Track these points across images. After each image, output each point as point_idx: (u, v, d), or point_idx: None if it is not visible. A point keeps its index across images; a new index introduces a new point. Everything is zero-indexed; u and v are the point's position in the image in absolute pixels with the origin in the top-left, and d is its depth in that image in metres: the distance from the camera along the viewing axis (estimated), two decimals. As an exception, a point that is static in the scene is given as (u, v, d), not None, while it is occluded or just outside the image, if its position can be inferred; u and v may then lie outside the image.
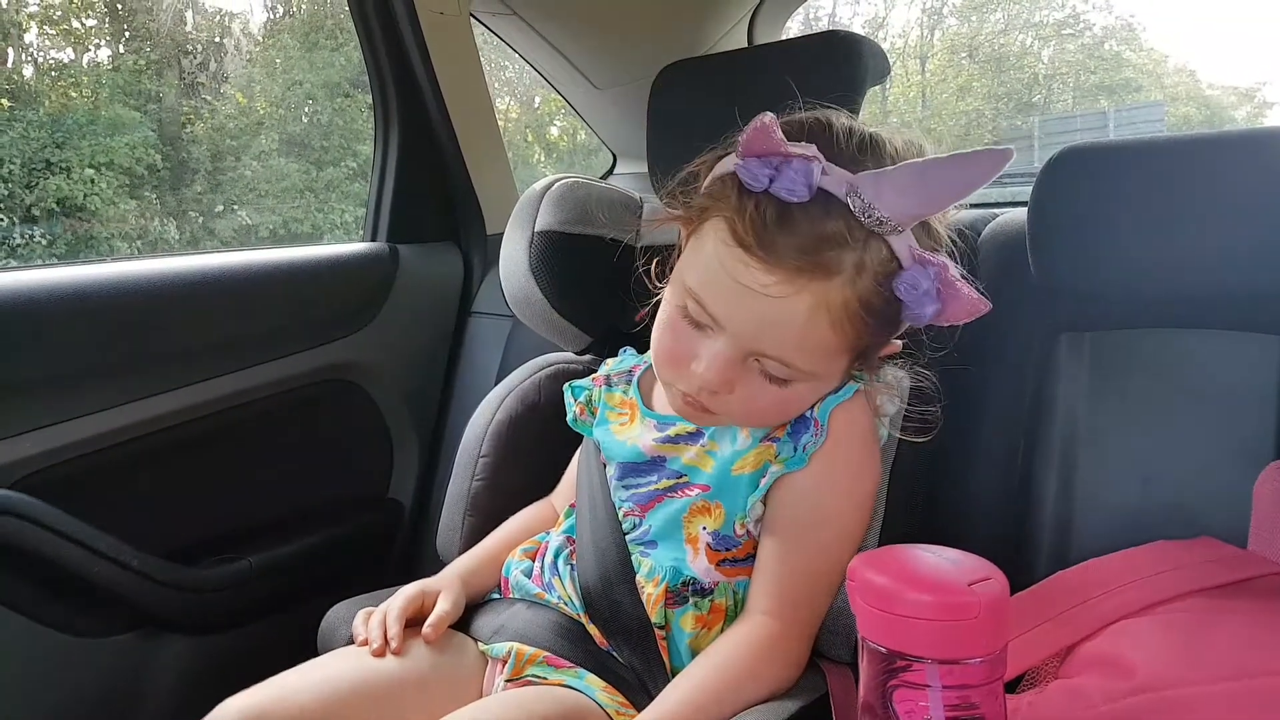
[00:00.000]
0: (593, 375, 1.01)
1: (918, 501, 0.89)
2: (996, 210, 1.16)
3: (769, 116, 0.69)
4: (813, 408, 0.80)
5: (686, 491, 0.84)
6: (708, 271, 0.73)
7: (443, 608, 0.87)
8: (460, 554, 1.05)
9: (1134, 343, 0.97)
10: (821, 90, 1.09)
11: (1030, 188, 0.98)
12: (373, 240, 1.48)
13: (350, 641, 0.87)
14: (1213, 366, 0.93)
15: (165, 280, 1.17)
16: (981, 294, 0.72)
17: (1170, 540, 0.76)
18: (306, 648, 0.92)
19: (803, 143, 0.70)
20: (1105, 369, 0.98)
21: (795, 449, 0.80)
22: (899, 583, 0.57)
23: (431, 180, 1.49)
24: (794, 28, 1.73)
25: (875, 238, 0.70)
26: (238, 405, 1.26)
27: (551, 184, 1.11)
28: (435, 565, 0.99)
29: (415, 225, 1.48)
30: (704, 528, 0.82)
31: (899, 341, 0.81)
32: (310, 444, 1.36)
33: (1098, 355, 0.99)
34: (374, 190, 1.48)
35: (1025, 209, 1.10)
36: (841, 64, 1.10)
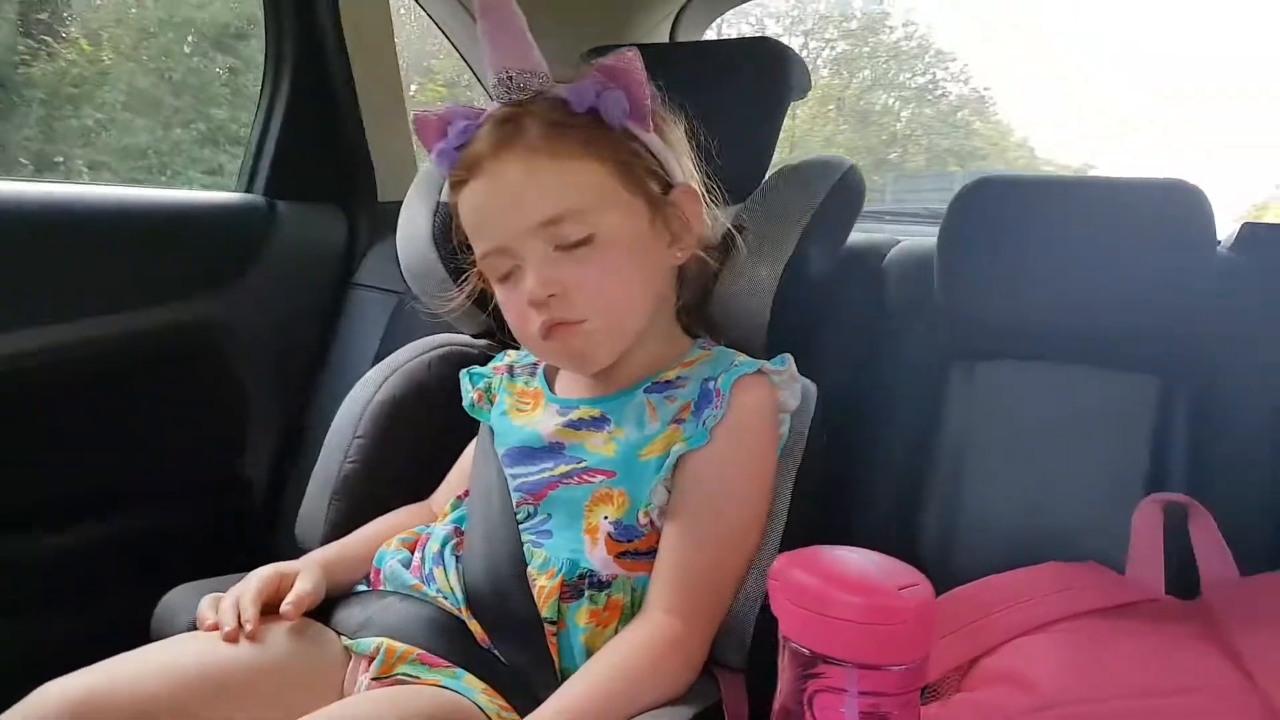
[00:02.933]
0: (493, 364, 0.96)
1: (815, 513, 0.88)
2: (900, 235, 1.19)
3: (423, 113, 0.82)
4: (718, 378, 0.79)
5: (587, 477, 0.79)
6: (470, 225, 0.80)
7: (303, 587, 0.79)
8: (323, 540, 0.96)
9: (1022, 374, 1.00)
10: (745, 94, 1.09)
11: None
12: (248, 192, 1.35)
13: (193, 628, 0.77)
14: (1094, 401, 0.97)
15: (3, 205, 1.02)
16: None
17: (1059, 562, 0.78)
18: (136, 637, 0.81)
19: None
20: (993, 398, 1.01)
21: (698, 425, 0.77)
22: (827, 583, 0.54)
23: (323, 135, 1.37)
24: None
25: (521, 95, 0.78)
26: (74, 358, 1.10)
27: None
28: (288, 555, 0.89)
29: (298, 182, 1.36)
30: (605, 517, 0.78)
31: (691, 184, 0.83)
32: (155, 410, 1.22)
33: (987, 384, 1.02)
34: (255, 136, 1.34)
35: (929, 237, 1.14)
36: (768, 72, 1.09)
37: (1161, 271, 0.91)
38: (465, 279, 0.91)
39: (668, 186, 0.81)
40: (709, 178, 0.87)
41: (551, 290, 0.75)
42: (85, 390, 1.14)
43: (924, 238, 1.13)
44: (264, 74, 1.32)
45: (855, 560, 0.57)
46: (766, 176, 0.98)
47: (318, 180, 1.38)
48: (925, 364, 1.04)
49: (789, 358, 0.84)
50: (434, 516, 0.93)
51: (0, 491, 1.06)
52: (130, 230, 1.13)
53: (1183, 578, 0.79)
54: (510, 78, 0.77)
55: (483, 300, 1.02)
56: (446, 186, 1.01)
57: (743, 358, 0.83)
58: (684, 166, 0.84)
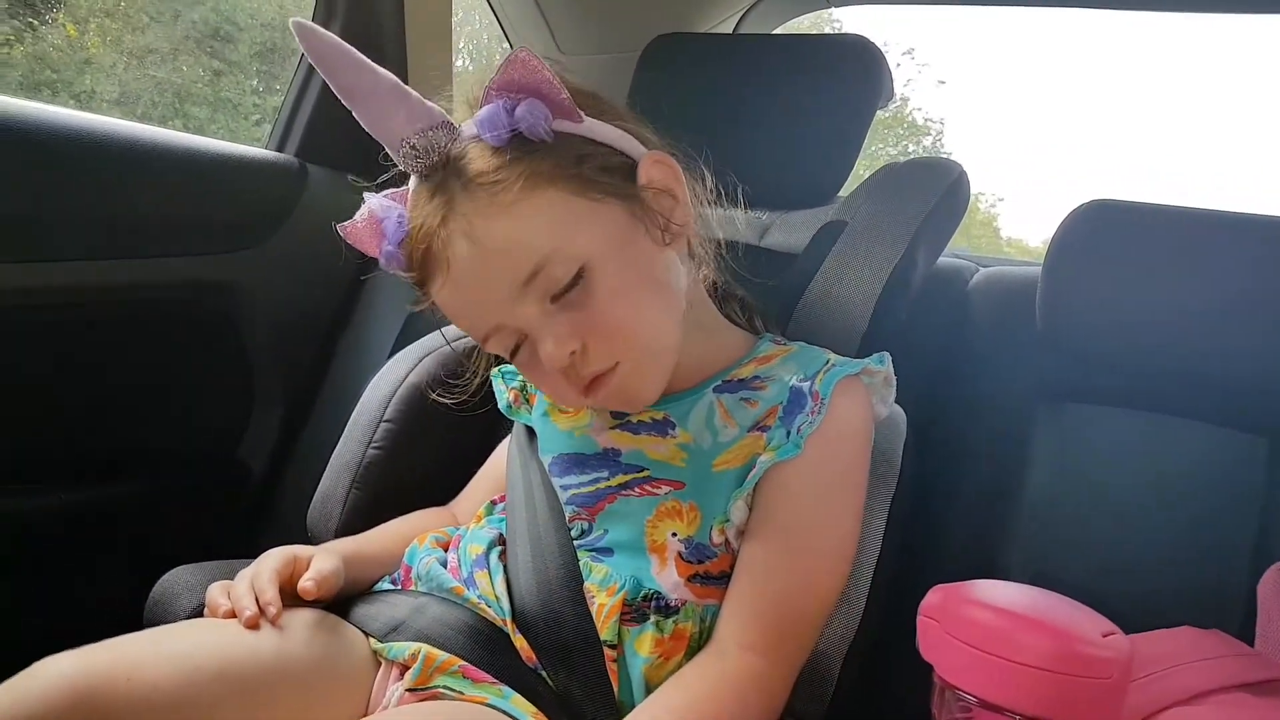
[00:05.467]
0: None
1: (905, 547, 0.79)
2: (978, 263, 1.11)
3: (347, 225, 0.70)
4: (813, 379, 0.69)
5: (651, 488, 0.70)
6: (454, 322, 0.70)
7: (324, 565, 0.70)
8: (337, 531, 0.87)
9: (1117, 421, 0.92)
10: (837, 91, 1.02)
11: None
12: (280, 151, 1.25)
13: (196, 614, 0.67)
14: (1195, 459, 0.89)
15: (12, 124, 0.91)
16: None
17: (1191, 628, 0.70)
18: (127, 615, 0.71)
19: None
20: (1083, 445, 0.93)
21: (789, 433, 0.68)
22: (1011, 622, 0.45)
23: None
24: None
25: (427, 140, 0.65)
26: (75, 301, 0.99)
27: None
28: (284, 541, 0.78)
29: (330, 147, 1.25)
30: (674, 534, 0.68)
31: (657, 152, 0.71)
32: (159, 370, 1.10)
33: (1077, 429, 0.94)
34: (293, 93, 1.24)
35: (1017, 266, 1.07)
36: (861, 71, 1.02)
37: None
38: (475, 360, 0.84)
39: (632, 169, 0.69)
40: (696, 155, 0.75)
41: (570, 349, 0.65)
42: (89, 340, 1.03)
43: (1012, 266, 1.06)
44: (313, 18, 1.22)
45: (1036, 599, 0.48)
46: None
47: (352, 147, 1.27)
48: (1008, 399, 0.96)
49: (888, 357, 0.75)
50: (457, 524, 0.83)
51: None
52: (156, 172, 1.02)
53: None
54: (413, 145, 0.64)
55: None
56: None
57: (837, 356, 0.74)
58: (644, 137, 0.72)
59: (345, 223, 0.69)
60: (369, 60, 0.63)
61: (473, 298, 0.65)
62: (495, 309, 0.65)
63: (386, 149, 0.66)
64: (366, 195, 0.69)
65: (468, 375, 0.86)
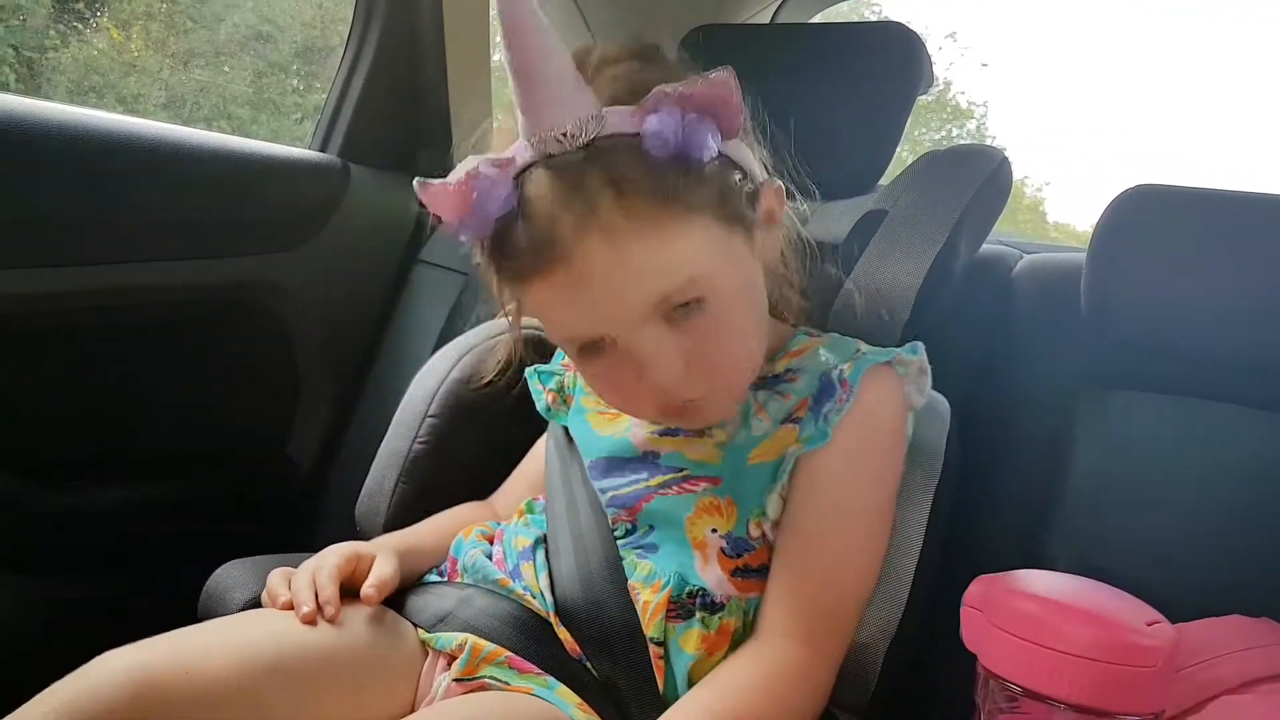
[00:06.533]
0: (561, 360, 0.88)
1: (948, 540, 0.78)
2: (1022, 250, 1.10)
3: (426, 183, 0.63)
4: (842, 367, 0.69)
5: (689, 486, 0.70)
6: (548, 321, 0.67)
7: (385, 570, 0.71)
8: (385, 525, 0.88)
9: (1163, 409, 0.90)
10: (876, 80, 1.01)
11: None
12: (323, 151, 1.27)
13: (251, 605, 0.69)
14: (1247, 448, 0.87)
15: (63, 130, 0.94)
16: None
17: (1240, 616, 0.68)
18: (180, 608, 0.73)
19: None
20: (1128, 433, 0.91)
21: (818, 423, 0.67)
22: (1055, 611, 0.45)
23: (404, 99, 1.28)
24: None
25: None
26: (123, 304, 1.02)
27: None
28: (330, 536, 0.80)
29: (373, 146, 1.28)
30: (713, 529, 0.68)
31: (776, 181, 0.71)
32: (206, 370, 1.13)
33: (1122, 416, 0.91)
34: (335, 94, 1.26)
35: (1061, 253, 1.05)
36: (900, 58, 1.01)
37: None
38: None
39: (754, 195, 0.68)
40: (775, 153, 0.74)
41: (680, 376, 0.62)
42: (138, 340, 1.06)
43: (1057, 253, 1.04)
44: (351, 28, 1.24)
45: (1080, 589, 0.48)
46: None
47: (394, 147, 1.30)
48: (1053, 387, 0.94)
49: (921, 346, 0.74)
50: (498, 519, 0.85)
51: (36, 440, 0.98)
52: (203, 174, 1.05)
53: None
54: (566, 133, 0.59)
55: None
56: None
57: (868, 346, 0.74)
58: (760, 156, 0.70)
59: (430, 180, 0.63)
60: (557, 44, 0.59)
61: (591, 301, 0.60)
62: (611, 320, 0.61)
63: (522, 129, 0.61)
64: (471, 158, 0.62)
65: (495, 374, 0.86)
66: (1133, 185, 0.89)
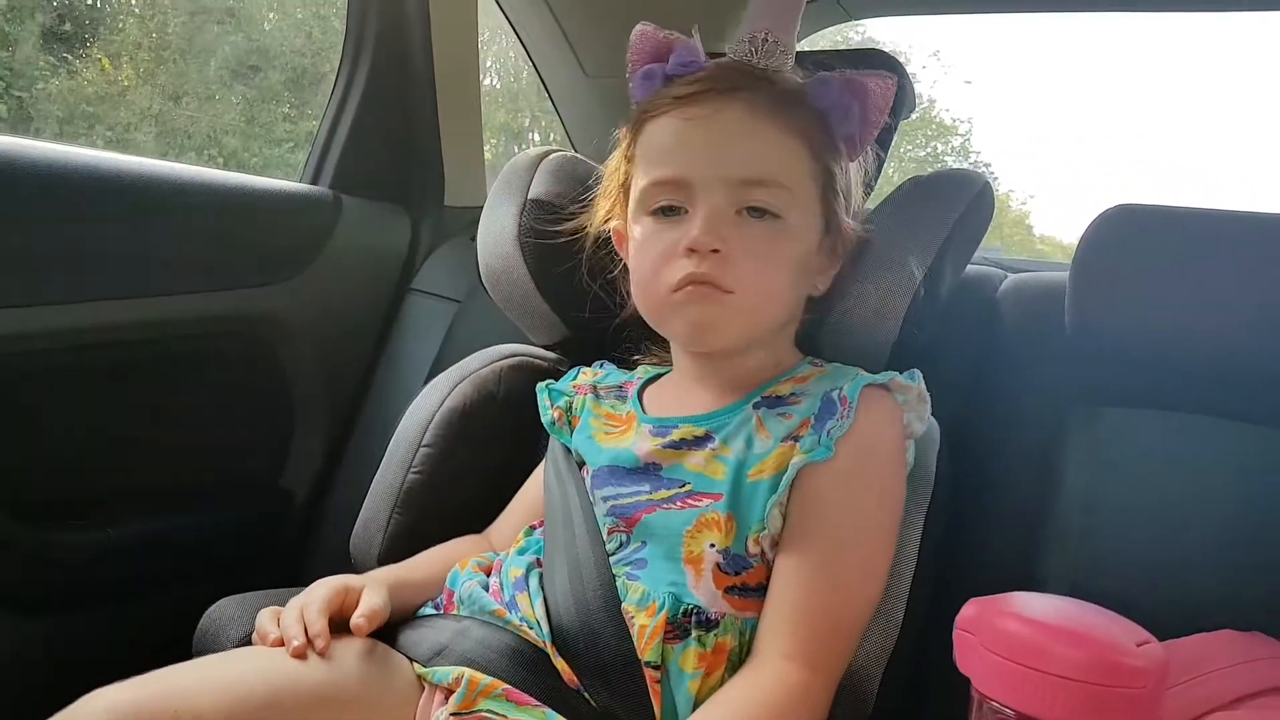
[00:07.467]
0: (571, 381, 0.89)
1: (941, 559, 0.79)
2: (1006, 269, 1.11)
3: (646, 27, 0.78)
4: (840, 387, 0.71)
5: (692, 501, 0.71)
6: (655, 152, 0.75)
7: (374, 601, 0.71)
8: (380, 557, 0.88)
9: (1155, 425, 0.91)
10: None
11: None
12: (314, 184, 1.28)
13: (244, 642, 0.69)
14: (1233, 461, 0.88)
15: (53, 168, 0.94)
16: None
17: (1232, 630, 0.69)
18: (174, 645, 0.73)
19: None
20: (1120, 450, 0.91)
21: (820, 437, 0.69)
22: (1045, 634, 0.46)
23: (395, 130, 1.30)
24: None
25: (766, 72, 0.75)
26: (114, 341, 1.02)
27: (545, 154, 1.00)
28: (326, 569, 0.80)
29: (364, 177, 1.29)
30: (711, 545, 0.69)
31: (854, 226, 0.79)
32: (199, 404, 1.14)
33: (1113, 433, 0.92)
34: (325, 127, 1.28)
35: (1046, 272, 1.06)
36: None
37: None
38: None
39: (837, 218, 0.77)
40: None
41: (717, 245, 0.69)
42: (131, 375, 1.06)
43: (1042, 272, 1.05)
44: (340, 61, 1.26)
45: (1070, 610, 0.48)
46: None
47: (385, 177, 1.31)
48: (1041, 405, 0.95)
49: (918, 374, 0.76)
50: (494, 551, 0.85)
51: (30, 479, 0.98)
52: (194, 209, 1.06)
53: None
54: (765, 39, 0.74)
55: (561, 305, 0.95)
56: (534, 185, 0.96)
57: (865, 372, 0.75)
58: (851, 205, 0.80)
59: (647, 26, 0.78)
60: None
61: (702, 147, 0.72)
62: (705, 169, 0.71)
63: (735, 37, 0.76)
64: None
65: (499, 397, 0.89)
66: (1113, 205, 0.91)
